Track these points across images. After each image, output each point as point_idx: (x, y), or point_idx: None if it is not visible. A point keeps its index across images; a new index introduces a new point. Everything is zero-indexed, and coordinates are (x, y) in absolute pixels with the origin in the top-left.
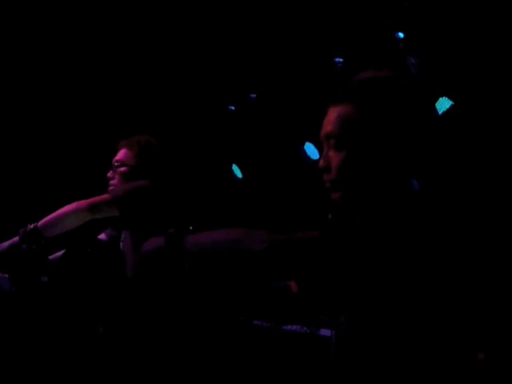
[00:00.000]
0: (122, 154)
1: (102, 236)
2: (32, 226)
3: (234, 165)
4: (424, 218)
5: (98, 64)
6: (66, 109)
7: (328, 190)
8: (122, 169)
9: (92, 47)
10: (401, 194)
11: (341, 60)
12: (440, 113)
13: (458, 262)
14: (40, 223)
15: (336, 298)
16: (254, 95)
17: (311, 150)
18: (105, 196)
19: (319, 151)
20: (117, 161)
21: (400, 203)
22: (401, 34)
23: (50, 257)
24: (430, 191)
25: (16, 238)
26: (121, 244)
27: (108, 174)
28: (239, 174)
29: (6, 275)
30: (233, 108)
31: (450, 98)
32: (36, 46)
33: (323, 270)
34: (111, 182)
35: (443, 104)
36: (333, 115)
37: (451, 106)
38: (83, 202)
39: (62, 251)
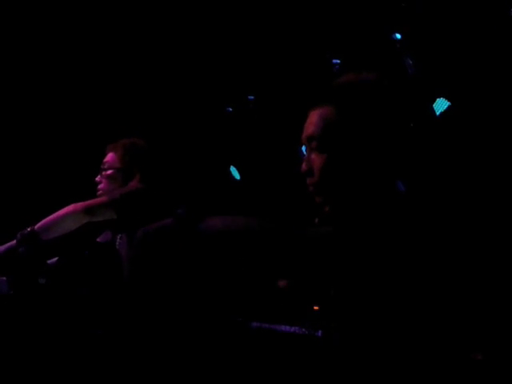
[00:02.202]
0: (108, 157)
1: (99, 240)
2: (29, 229)
3: (231, 166)
4: (410, 218)
5: (95, 66)
6: (62, 111)
7: (312, 194)
8: (108, 172)
9: (89, 48)
10: (385, 196)
11: (338, 61)
12: (437, 114)
13: (448, 262)
14: (37, 226)
15: (328, 296)
16: (252, 97)
17: None
18: (102, 199)
19: None
20: (103, 164)
21: (384, 205)
22: (398, 35)
23: (49, 261)
24: (422, 192)
25: (13, 242)
26: (116, 247)
27: (96, 179)
28: (237, 176)
29: (4, 278)
30: (231, 109)
31: (448, 98)
32: (31, 49)
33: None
34: (99, 186)
35: (441, 105)
36: (314, 117)
37: (449, 107)
38: (80, 205)
39: (60, 256)
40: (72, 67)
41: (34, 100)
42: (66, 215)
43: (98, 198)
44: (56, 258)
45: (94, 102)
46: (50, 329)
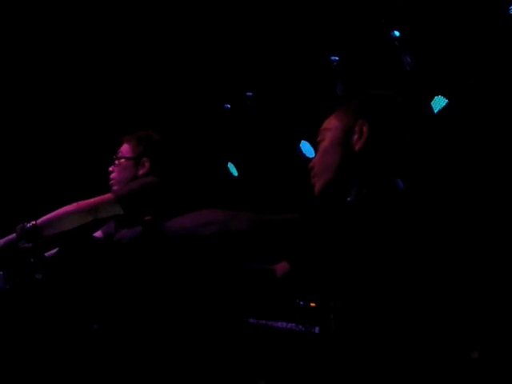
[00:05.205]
0: (122, 147)
1: (98, 234)
2: (31, 224)
3: (229, 163)
4: (407, 210)
5: (96, 62)
6: (65, 108)
7: (313, 186)
8: (120, 161)
9: (90, 46)
10: (379, 190)
11: (336, 58)
12: (435, 111)
13: (442, 258)
14: (39, 221)
15: (320, 279)
16: (251, 93)
17: (307, 149)
18: (107, 196)
19: (315, 149)
20: (117, 154)
21: (377, 198)
22: (396, 33)
23: (46, 254)
24: (420, 189)
25: (12, 235)
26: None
27: (109, 168)
28: (235, 173)
29: (1, 272)
30: (229, 106)
31: (446, 96)
32: (36, 45)
33: (304, 246)
34: (111, 175)
35: (439, 102)
36: (329, 119)
37: (447, 105)
38: (84, 203)
39: (57, 249)
40: (72, 67)
41: (38, 96)
42: (70, 213)
43: (104, 196)
44: (54, 251)
45: (93, 99)
46: (46, 324)
